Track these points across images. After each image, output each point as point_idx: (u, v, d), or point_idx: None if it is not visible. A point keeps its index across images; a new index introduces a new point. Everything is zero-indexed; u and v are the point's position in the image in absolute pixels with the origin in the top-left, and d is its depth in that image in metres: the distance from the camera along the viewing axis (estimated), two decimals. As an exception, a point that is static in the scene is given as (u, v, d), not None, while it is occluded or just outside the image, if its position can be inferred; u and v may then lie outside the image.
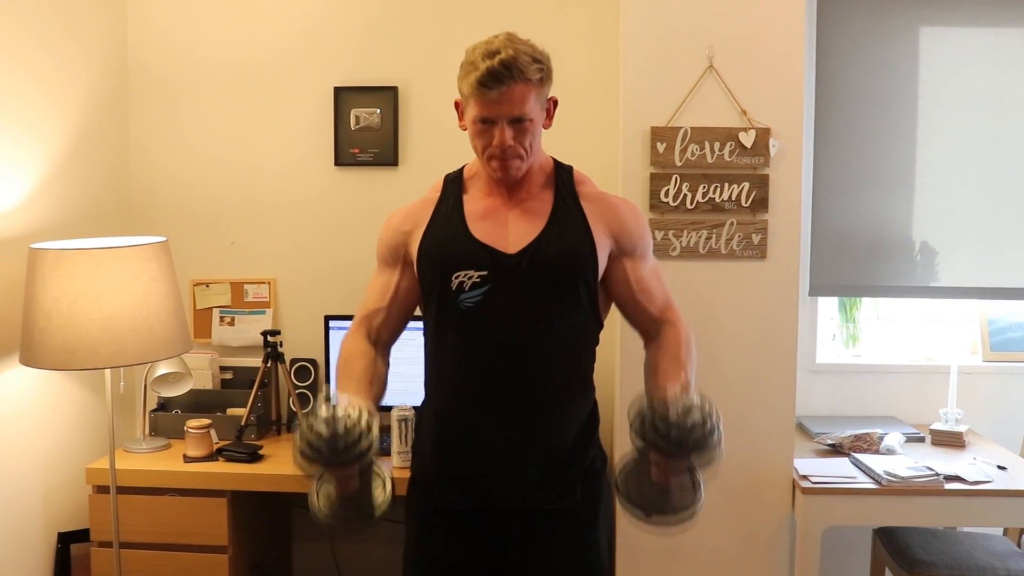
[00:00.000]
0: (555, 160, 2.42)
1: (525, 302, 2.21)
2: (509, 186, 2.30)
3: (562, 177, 2.37)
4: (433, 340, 2.33)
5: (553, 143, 3.75)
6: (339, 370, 2.32)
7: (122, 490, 3.26)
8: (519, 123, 2.20)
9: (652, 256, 2.42)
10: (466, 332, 2.24)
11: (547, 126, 2.32)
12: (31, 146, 3.25)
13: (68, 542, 3.44)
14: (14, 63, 3.14)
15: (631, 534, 3.32)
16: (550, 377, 2.25)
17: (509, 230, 2.27)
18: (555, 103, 2.32)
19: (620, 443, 3.30)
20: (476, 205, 2.32)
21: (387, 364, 2.39)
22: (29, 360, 2.95)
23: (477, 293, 2.22)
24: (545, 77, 2.22)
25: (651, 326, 2.39)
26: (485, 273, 2.22)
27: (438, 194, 2.38)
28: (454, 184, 2.38)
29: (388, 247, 2.39)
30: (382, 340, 2.38)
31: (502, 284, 2.21)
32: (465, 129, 2.29)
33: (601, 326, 2.40)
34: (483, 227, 2.27)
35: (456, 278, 2.23)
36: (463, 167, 2.43)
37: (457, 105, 2.31)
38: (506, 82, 2.14)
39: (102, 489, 3.31)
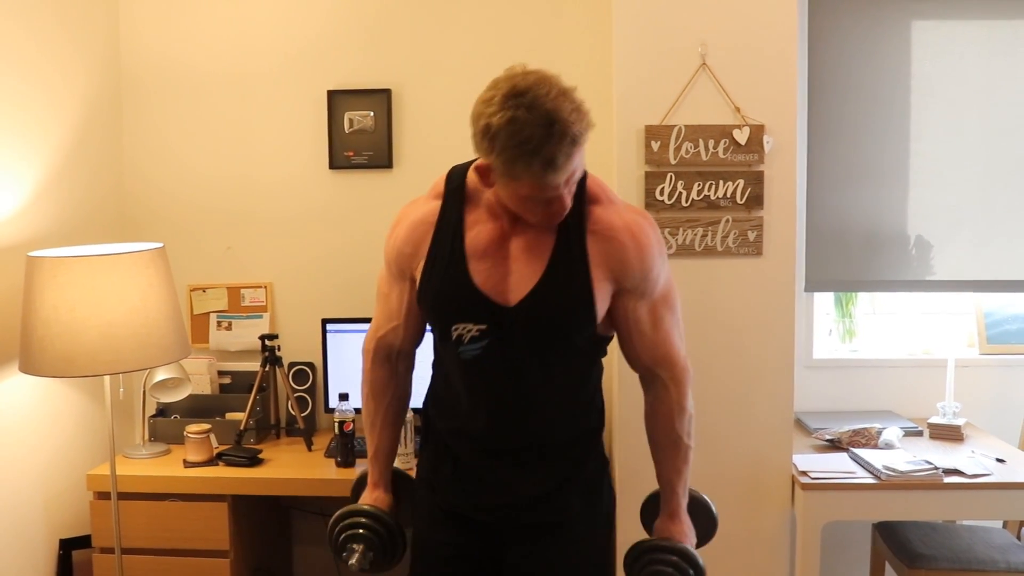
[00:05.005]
0: None
1: (523, 355, 2.14)
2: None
3: (576, 196, 2.12)
4: (438, 366, 2.31)
5: (548, 143, 3.77)
6: (364, 409, 2.39)
7: (123, 496, 3.27)
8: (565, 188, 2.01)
9: (665, 299, 2.21)
10: (467, 377, 2.20)
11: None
12: (27, 155, 3.25)
13: (70, 548, 3.44)
14: (9, 72, 3.14)
15: (630, 532, 3.32)
16: (551, 421, 2.23)
17: (510, 271, 2.11)
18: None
19: (619, 441, 3.31)
20: (478, 232, 2.14)
21: (411, 368, 2.41)
22: (28, 368, 2.95)
23: (476, 346, 2.14)
24: (586, 136, 1.98)
25: (644, 372, 2.29)
26: (484, 327, 2.12)
27: (439, 204, 2.19)
28: (456, 196, 2.17)
29: (395, 263, 2.26)
30: (404, 351, 2.36)
31: (500, 338, 2.12)
32: (490, 186, 2.07)
33: (605, 351, 2.32)
34: (483, 269, 2.12)
35: (455, 330, 2.14)
36: (466, 170, 2.18)
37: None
38: (568, 164, 1.94)
39: (103, 495, 3.32)
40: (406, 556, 2.35)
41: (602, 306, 2.13)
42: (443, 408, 2.31)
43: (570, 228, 2.10)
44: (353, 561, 2.26)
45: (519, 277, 2.11)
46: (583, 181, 2.13)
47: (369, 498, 2.35)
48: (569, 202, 2.03)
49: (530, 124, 1.89)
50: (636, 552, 2.29)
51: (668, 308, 2.23)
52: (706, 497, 2.44)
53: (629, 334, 2.21)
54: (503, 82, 1.97)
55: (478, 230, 2.14)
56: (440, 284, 2.15)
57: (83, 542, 3.45)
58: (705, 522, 2.41)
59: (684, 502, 2.30)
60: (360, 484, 2.43)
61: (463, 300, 2.12)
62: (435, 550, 2.34)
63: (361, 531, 2.28)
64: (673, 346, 2.24)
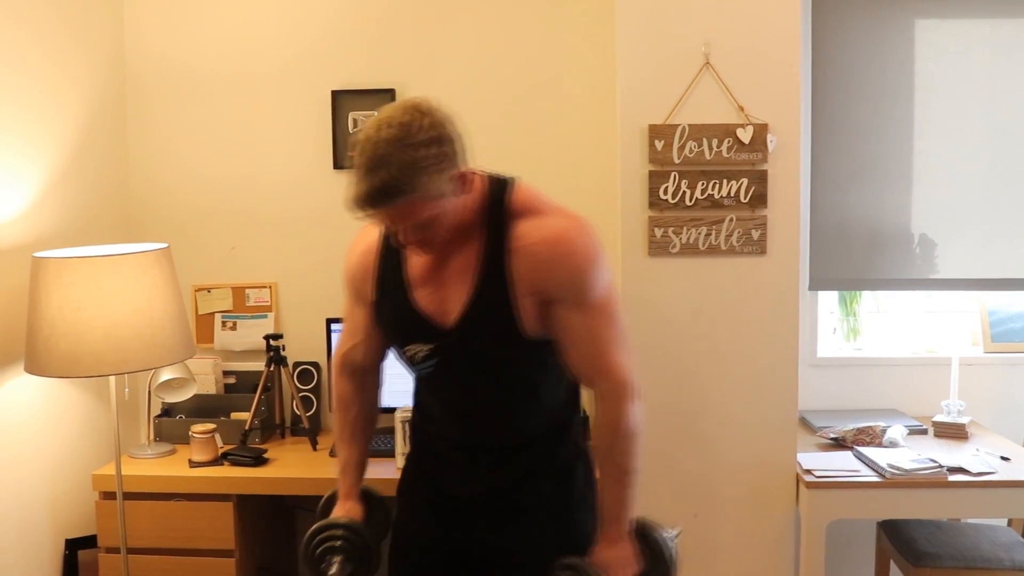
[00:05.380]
0: (489, 184, 2.16)
1: (469, 370, 2.21)
2: None
3: (494, 216, 2.12)
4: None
5: (552, 145, 3.78)
6: (334, 423, 2.46)
7: (128, 496, 3.27)
8: (417, 226, 2.03)
9: (601, 308, 2.14)
10: (429, 390, 2.34)
11: (465, 191, 2.05)
12: (32, 156, 3.26)
13: (76, 548, 3.44)
14: (14, 74, 3.15)
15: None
16: (515, 423, 2.30)
17: (447, 292, 2.17)
18: (467, 176, 2.04)
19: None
20: (416, 258, 2.19)
21: (379, 384, 2.49)
22: (34, 368, 2.96)
23: (428, 364, 2.23)
24: (428, 179, 1.94)
25: (586, 384, 2.24)
26: (431, 347, 2.20)
27: (381, 231, 2.23)
28: None
29: (350, 288, 2.37)
30: (369, 367, 2.44)
31: (447, 356, 2.20)
32: None
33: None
34: (425, 294, 2.19)
35: (408, 351, 2.25)
36: None
37: None
38: (378, 208, 1.96)
39: (109, 495, 3.32)
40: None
41: (530, 320, 2.14)
42: (421, 412, 2.43)
43: (492, 247, 2.12)
44: (333, 572, 2.28)
45: (453, 299, 2.16)
46: (502, 197, 2.13)
47: (342, 510, 2.39)
48: (427, 243, 2.07)
49: (359, 162, 1.95)
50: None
51: (605, 318, 2.15)
52: (663, 536, 2.29)
53: (565, 345, 2.17)
54: (385, 110, 2.00)
55: (416, 256, 2.19)
56: (390, 311, 2.25)
57: (89, 542, 3.46)
58: (656, 566, 2.27)
59: (625, 529, 2.24)
60: (329, 503, 2.45)
61: (410, 324, 2.21)
62: (413, 539, 2.42)
63: (338, 543, 2.30)
64: (610, 358, 2.16)
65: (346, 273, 2.36)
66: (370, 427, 2.48)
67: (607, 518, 2.24)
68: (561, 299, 2.11)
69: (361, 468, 2.45)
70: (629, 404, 2.18)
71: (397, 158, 1.91)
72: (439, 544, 2.37)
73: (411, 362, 2.27)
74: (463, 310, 2.14)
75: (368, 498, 2.45)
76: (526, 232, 2.10)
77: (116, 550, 3.27)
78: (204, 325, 3.94)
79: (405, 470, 2.50)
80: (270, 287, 3.92)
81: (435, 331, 2.18)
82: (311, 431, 3.65)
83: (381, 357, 2.44)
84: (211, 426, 3.49)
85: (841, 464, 3.28)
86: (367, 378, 2.45)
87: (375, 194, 1.92)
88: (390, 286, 2.23)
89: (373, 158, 1.92)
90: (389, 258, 2.23)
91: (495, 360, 2.20)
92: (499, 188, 2.15)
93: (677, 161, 3.19)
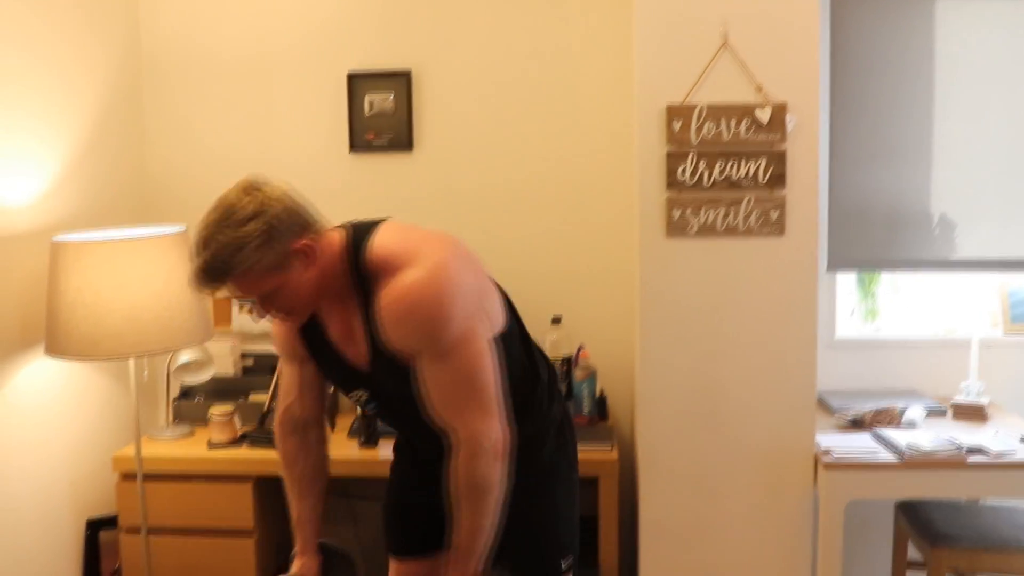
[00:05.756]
0: (347, 245, 2.18)
1: (404, 407, 2.28)
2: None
3: (358, 280, 2.17)
4: None
5: (570, 126, 3.77)
6: (284, 479, 2.54)
7: (148, 477, 3.30)
8: (264, 299, 2.12)
9: (455, 362, 2.13)
10: (385, 422, 2.72)
11: (311, 262, 2.12)
12: (49, 141, 3.27)
13: (97, 529, 3.47)
14: (29, 58, 3.16)
15: (654, 511, 3.34)
16: None
17: (357, 348, 2.26)
18: (308, 248, 2.10)
19: (642, 416, 3.31)
20: (331, 319, 2.28)
21: (324, 439, 2.56)
22: (54, 351, 2.98)
23: (372, 405, 2.41)
24: (252, 256, 2.02)
25: (442, 433, 2.23)
26: (367, 392, 2.36)
27: None
28: None
29: (281, 351, 2.46)
30: (309, 420, 2.51)
31: (381, 396, 2.36)
32: None
33: (506, 334, 2.32)
34: (346, 347, 2.29)
35: (352, 396, 2.40)
36: None
37: None
38: (209, 287, 2.08)
39: (129, 476, 3.35)
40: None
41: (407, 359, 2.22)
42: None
43: (365, 312, 2.19)
44: None
45: (361, 354, 2.26)
46: (359, 259, 2.15)
47: (296, 567, 2.47)
48: (282, 312, 2.16)
49: (191, 243, 2.10)
50: None
51: (458, 370, 2.15)
52: None
53: (420, 391, 2.19)
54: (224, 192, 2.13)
55: (331, 317, 2.29)
56: (326, 366, 2.38)
57: (110, 523, 3.49)
58: None
59: (473, 565, 2.23)
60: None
61: (345, 374, 2.33)
62: (401, 495, 2.64)
63: None
64: (460, 412, 2.16)
65: (275, 338, 2.45)
66: (319, 480, 2.53)
67: (459, 545, 2.24)
68: (418, 352, 2.15)
69: (314, 522, 2.50)
70: (477, 460, 2.16)
71: (217, 239, 2.02)
72: (421, 500, 2.49)
73: (358, 403, 2.42)
74: (367, 366, 2.26)
75: (326, 552, 2.52)
76: (382, 295, 2.12)
77: (137, 530, 3.30)
78: (222, 307, 3.95)
79: (397, 436, 2.67)
80: (287, 269, 3.93)
81: (363, 379, 2.31)
82: (329, 412, 3.64)
83: (320, 409, 2.52)
84: (230, 408, 3.51)
85: (859, 445, 3.27)
86: (309, 433, 2.51)
87: (201, 274, 2.04)
88: (319, 344, 2.33)
89: (199, 240, 2.06)
90: (310, 320, 2.30)
91: (416, 396, 2.21)
92: (356, 248, 2.17)
93: (695, 142, 3.18)
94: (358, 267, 2.15)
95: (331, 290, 2.18)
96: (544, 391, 2.48)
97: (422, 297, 2.08)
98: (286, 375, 2.48)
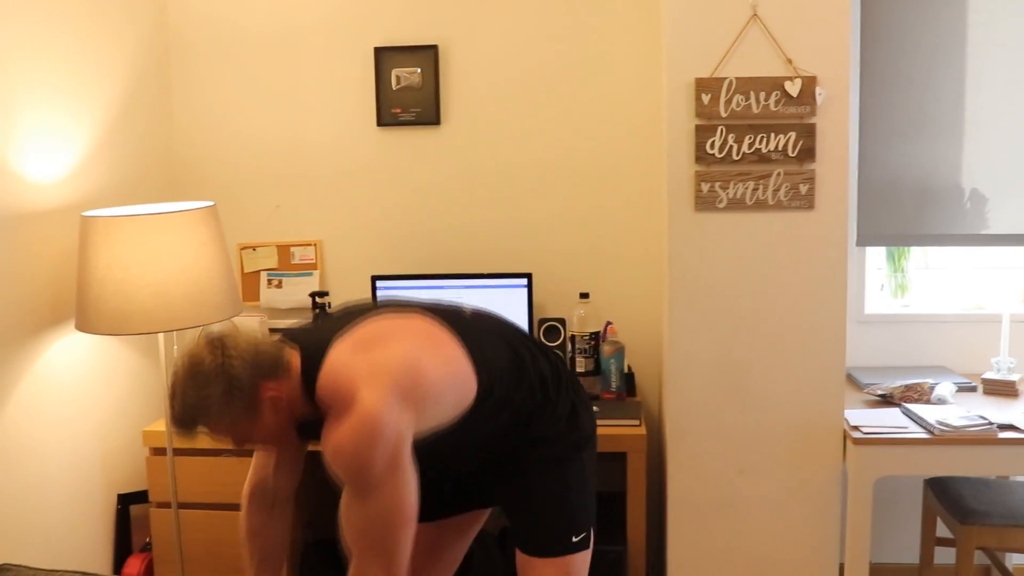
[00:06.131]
0: (303, 381, 2.23)
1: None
2: None
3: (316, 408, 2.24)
4: None
5: (598, 99, 3.75)
6: (243, 546, 2.55)
7: (179, 452, 3.33)
8: (237, 440, 2.23)
9: (368, 509, 2.17)
10: None
11: (279, 407, 2.20)
12: (79, 117, 3.28)
13: (127, 503, 3.51)
14: (58, 35, 3.17)
15: (682, 487, 3.34)
16: (478, 466, 2.52)
17: None
18: (274, 397, 2.17)
19: (669, 391, 3.31)
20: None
21: (287, 519, 2.57)
22: (85, 326, 3.00)
23: None
24: (217, 412, 2.12)
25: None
26: None
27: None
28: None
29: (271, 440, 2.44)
30: (279, 495, 2.53)
31: None
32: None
33: (481, 399, 2.32)
34: None
35: None
36: None
37: None
38: (184, 435, 2.17)
39: (159, 451, 3.38)
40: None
41: None
42: None
43: None
44: None
45: None
46: (314, 395, 2.18)
47: None
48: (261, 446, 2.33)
49: (168, 387, 2.18)
50: None
51: (368, 517, 2.18)
52: None
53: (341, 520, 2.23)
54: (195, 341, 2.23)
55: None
56: None
57: (140, 497, 3.52)
58: None
59: None
60: None
61: None
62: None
63: None
64: (359, 552, 2.20)
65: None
66: (277, 557, 2.55)
67: None
68: (345, 485, 2.19)
69: None
70: None
71: (184, 398, 2.12)
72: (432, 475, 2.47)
73: None
74: None
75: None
76: (324, 437, 2.15)
77: (167, 505, 3.32)
78: (250, 283, 3.97)
79: None
80: (315, 245, 3.94)
81: None
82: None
83: (292, 486, 2.54)
84: (258, 383, 3.52)
85: (889, 421, 3.25)
86: (276, 508, 2.53)
87: (175, 424, 2.15)
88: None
89: (171, 391, 2.16)
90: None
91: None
92: (310, 382, 2.19)
93: (724, 115, 3.16)
94: (314, 400, 2.20)
95: (304, 414, 2.24)
96: (550, 395, 2.47)
97: (344, 449, 2.10)
98: (265, 452, 2.51)
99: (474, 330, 2.38)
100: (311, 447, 2.51)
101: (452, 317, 2.38)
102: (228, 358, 2.12)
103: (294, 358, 2.22)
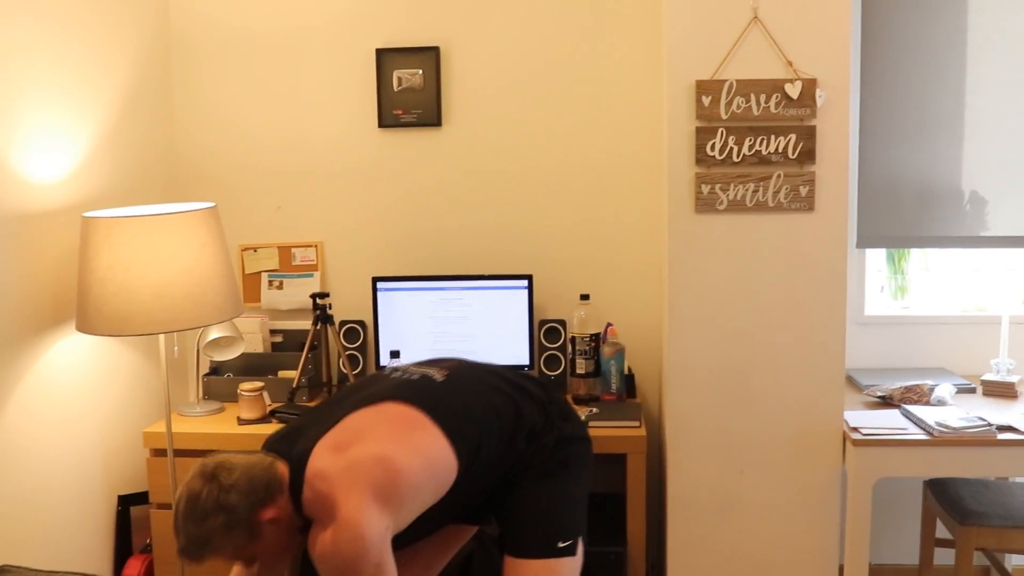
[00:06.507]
0: (290, 500, 2.29)
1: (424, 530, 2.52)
2: None
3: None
4: None
5: (599, 101, 3.76)
6: None
7: (179, 453, 3.33)
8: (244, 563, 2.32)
9: None
10: None
11: (281, 526, 2.27)
12: (80, 117, 3.28)
13: (128, 504, 3.51)
14: (61, 35, 3.17)
15: (681, 488, 3.34)
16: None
17: None
18: (275, 518, 2.24)
19: (669, 393, 3.31)
20: None
21: None
22: (85, 327, 3.00)
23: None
24: (219, 542, 2.19)
25: None
26: None
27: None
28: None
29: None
30: None
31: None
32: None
33: (463, 474, 2.36)
34: None
35: None
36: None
37: None
38: (193, 563, 2.21)
39: (159, 452, 3.38)
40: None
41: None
42: None
43: None
44: None
45: None
46: (301, 508, 2.25)
47: None
48: (276, 559, 2.33)
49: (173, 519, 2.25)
50: None
51: None
52: None
53: None
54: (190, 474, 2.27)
55: None
56: None
57: (140, 498, 3.52)
58: None
59: None
60: None
61: None
62: None
63: None
64: None
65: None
66: None
67: None
68: None
69: None
70: None
71: (186, 531, 2.19)
72: None
73: None
74: None
75: None
76: (310, 543, 2.23)
77: (167, 506, 3.33)
78: (251, 284, 3.97)
79: None
80: (316, 246, 3.94)
81: None
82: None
83: None
84: (259, 384, 3.53)
85: (888, 422, 3.25)
86: None
87: (183, 556, 2.21)
88: None
89: (174, 524, 2.22)
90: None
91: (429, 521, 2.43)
92: (296, 494, 2.25)
93: (724, 117, 3.16)
94: (301, 511, 2.27)
95: (304, 521, 2.30)
96: (542, 441, 2.52)
97: (330, 560, 2.16)
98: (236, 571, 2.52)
99: (453, 402, 2.41)
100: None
101: (427, 394, 2.40)
102: (223, 491, 2.18)
103: (284, 472, 2.28)
